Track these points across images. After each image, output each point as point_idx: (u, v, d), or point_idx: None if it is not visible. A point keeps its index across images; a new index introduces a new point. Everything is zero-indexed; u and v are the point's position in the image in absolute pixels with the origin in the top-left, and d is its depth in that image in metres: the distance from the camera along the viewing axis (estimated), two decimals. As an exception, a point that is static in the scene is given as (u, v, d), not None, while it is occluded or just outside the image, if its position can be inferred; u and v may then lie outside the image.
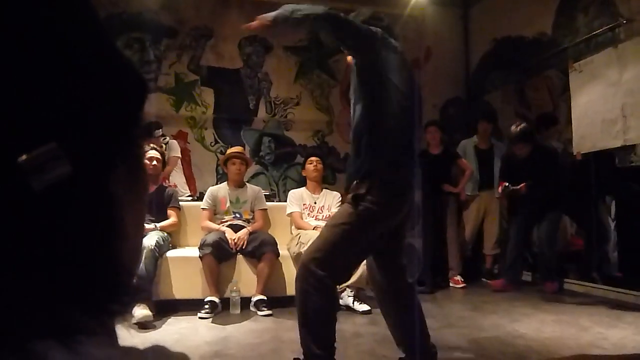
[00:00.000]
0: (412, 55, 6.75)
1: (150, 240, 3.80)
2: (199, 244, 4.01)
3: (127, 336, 0.38)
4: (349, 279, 2.43)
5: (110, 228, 0.34)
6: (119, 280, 0.35)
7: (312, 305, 2.11)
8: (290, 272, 4.15)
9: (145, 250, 3.67)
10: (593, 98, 4.62)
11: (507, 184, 4.72)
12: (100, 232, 0.33)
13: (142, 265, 3.61)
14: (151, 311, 3.49)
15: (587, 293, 4.60)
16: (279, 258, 4.10)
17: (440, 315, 3.77)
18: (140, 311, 3.40)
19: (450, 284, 5.07)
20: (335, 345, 2.16)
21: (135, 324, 3.36)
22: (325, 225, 2.34)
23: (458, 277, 5.08)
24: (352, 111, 2.31)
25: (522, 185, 4.63)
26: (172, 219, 4.25)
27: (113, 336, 0.37)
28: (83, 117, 0.32)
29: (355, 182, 2.21)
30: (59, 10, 0.32)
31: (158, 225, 4.09)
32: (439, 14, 6.76)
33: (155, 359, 2.93)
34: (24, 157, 0.28)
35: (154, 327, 3.44)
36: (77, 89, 0.32)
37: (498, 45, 6.40)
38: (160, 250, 3.88)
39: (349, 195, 2.23)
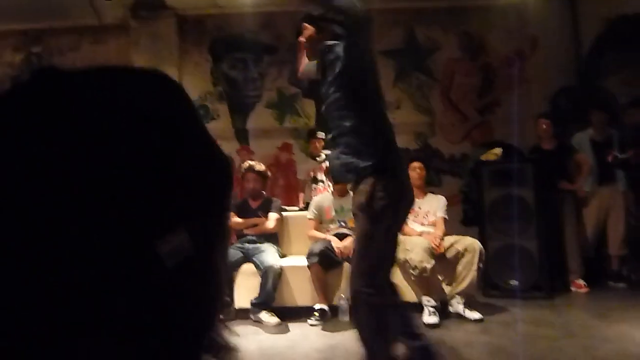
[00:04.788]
0: (516, 47, 6.42)
1: (275, 259, 4.07)
2: (306, 253, 4.15)
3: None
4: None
5: (217, 297, 0.43)
6: (216, 338, 0.42)
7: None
8: (396, 279, 4.13)
9: (273, 272, 3.97)
10: None
11: (616, 154, 4.46)
12: (211, 301, 0.42)
13: (270, 283, 3.94)
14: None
15: None
16: (385, 265, 4.10)
17: (558, 323, 3.54)
18: (271, 318, 3.89)
19: (572, 289, 4.73)
20: None
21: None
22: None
23: (580, 281, 4.72)
24: (325, 101, 2.33)
25: (630, 152, 4.35)
26: (270, 222, 4.43)
27: None
28: (197, 206, 0.39)
29: (361, 180, 2.24)
30: (178, 131, 0.40)
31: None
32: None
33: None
34: (162, 241, 0.35)
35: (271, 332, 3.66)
36: (192, 183, 0.39)
37: (612, 26, 5.87)
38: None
39: (360, 199, 2.23)
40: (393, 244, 2.34)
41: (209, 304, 0.41)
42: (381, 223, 2.20)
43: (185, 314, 0.38)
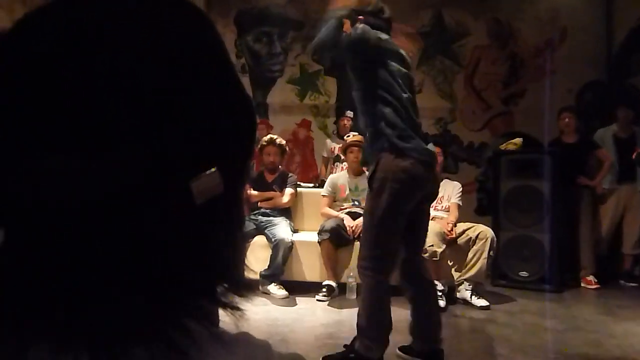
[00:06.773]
0: (545, 36, 6.29)
1: (287, 233, 4.12)
2: (318, 229, 4.18)
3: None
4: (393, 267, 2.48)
5: (241, 234, 0.45)
6: (242, 277, 0.44)
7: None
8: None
9: (284, 246, 4.03)
10: None
11: None
12: (236, 238, 0.43)
13: (280, 257, 4.00)
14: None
15: None
16: (396, 247, 4.12)
17: (566, 316, 3.54)
18: (279, 291, 3.94)
19: (582, 284, 4.71)
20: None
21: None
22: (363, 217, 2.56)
23: (591, 277, 4.69)
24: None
25: None
26: (285, 197, 4.47)
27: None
28: (228, 149, 0.41)
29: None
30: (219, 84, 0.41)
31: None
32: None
33: (275, 336, 3.14)
34: (195, 179, 0.37)
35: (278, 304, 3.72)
36: (225, 123, 0.40)
37: (648, 22, 5.71)
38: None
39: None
40: (397, 224, 2.34)
41: (231, 241, 0.42)
42: (380, 199, 2.27)
43: (207, 249, 0.39)
